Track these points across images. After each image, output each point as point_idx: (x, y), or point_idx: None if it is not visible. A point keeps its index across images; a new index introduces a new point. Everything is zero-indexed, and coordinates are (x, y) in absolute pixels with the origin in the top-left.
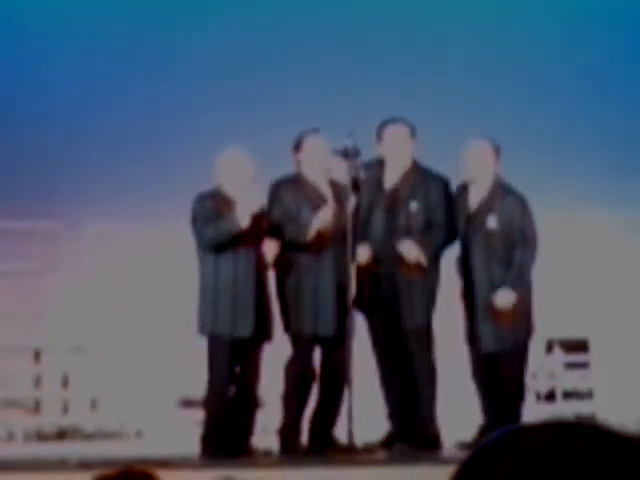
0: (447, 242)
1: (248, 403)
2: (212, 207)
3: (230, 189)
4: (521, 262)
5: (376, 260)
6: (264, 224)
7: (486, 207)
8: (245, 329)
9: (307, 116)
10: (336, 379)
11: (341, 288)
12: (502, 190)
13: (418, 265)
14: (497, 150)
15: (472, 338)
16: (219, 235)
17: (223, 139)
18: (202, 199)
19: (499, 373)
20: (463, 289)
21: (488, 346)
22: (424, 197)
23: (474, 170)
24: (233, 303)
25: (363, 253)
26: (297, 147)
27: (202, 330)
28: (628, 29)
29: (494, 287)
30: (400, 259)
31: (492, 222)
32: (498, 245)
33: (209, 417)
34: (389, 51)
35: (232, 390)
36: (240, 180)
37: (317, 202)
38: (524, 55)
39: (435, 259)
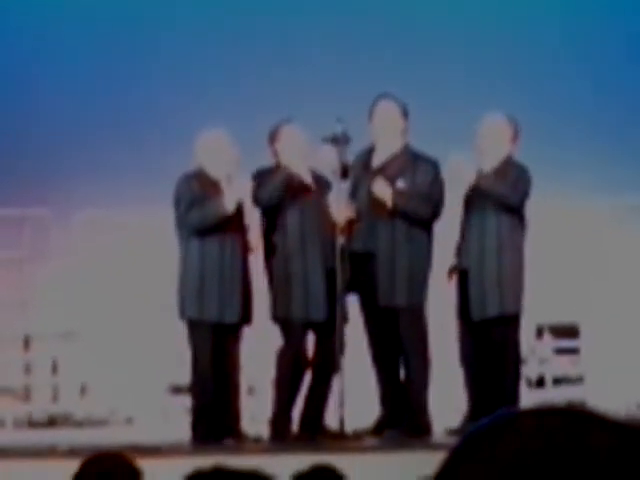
0: (429, 215)
1: (233, 387)
2: (198, 188)
3: (214, 170)
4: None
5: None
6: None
7: (489, 175)
8: (232, 315)
9: (296, 102)
10: (328, 365)
11: (330, 273)
12: (509, 164)
13: (387, 208)
14: (515, 129)
15: (462, 307)
16: (205, 219)
17: (212, 125)
18: (188, 180)
19: (486, 344)
20: (457, 256)
21: (478, 313)
22: (412, 178)
23: (487, 148)
24: (220, 289)
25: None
26: (273, 138)
27: (183, 315)
28: (627, 18)
29: (483, 253)
30: (374, 200)
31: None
32: (492, 210)
33: (197, 403)
34: (382, 36)
35: (217, 375)
36: (224, 161)
37: (299, 190)
38: (524, 43)
39: (419, 235)
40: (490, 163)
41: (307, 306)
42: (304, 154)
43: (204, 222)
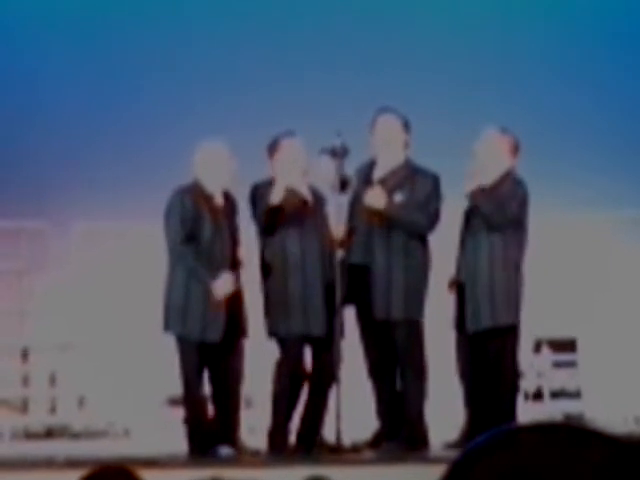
0: (423, 226)
1: (231, 401)
2: (191, 204)
3: (210, 184)
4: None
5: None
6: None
7: (487, 192)
8: (215, 333)
9: (296, 114)
10: (325, 378)
11: (329, 286)
12: (508, 178)
13: (383, 216)
14: (514, 143)
15: (459, 320)
16: (189, 273)
17: (209, 137)
18: (181, 194)
19: (483, 359)
20: (456, 272)
21: (472, 325)
22: (411, 191)
23: (485, 163)
24: (204, 307)
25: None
26: (272, 150)
27: (167, 329)
28: (624, 30)
29: (480, 267)
30: (368, 210)
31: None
32: (486, 226)
33: (187, 416)
34: (382, 49)
35: (211, 389)
36: (221, 175)
37: (295, 205)
38: (521, 56)
39: (416, 248)
40: (490, 178)
41: (307, 322)
42: (302, 168)
43: (187, 271)
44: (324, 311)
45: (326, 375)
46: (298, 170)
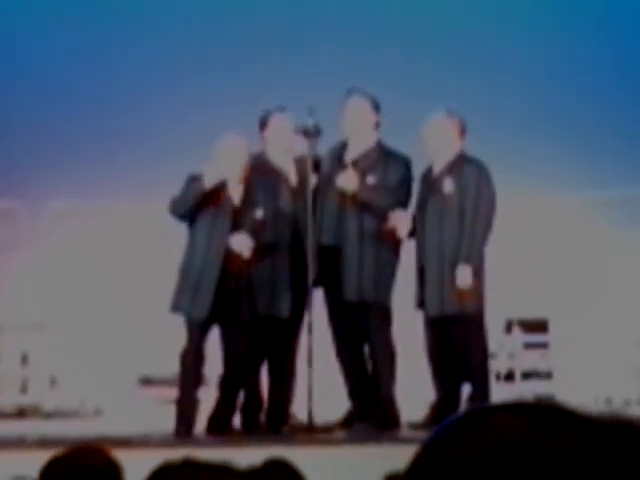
0: (393, 209)
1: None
2: (193, 187)
3: (226, 176)
4: (473, 235)
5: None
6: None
7: (445, 172)
8: (201, 311)
9: (269, 94)
10: (289, 359)
11: (299, 267)
12: (462, 159)
13: (355, 199)
14: (462, 126)
15: (421, 301)
16: (184, 197)
17: (186, 115)
18: (189, 181)
19: (450, 340)
20: (416, 254)
21: (434, 309)
22: (383, 174)
23: (436, 147)
24: (195, 286)
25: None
26: (262, 125)
27: (176, 309)
28: (599, 13)
29: (444, 251)
30: (340, 192)
31: (448, 186)
32: (452, 209)
33: (182, 397)
34: (354, 27)
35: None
36: (236, 168)
37: (278, 182)
38: (496, 36)
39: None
40: (443, 162)
41: (273, 303)
42: (289, 144)
43: (183, 200)
44: (290, 293)
45: (287, 355)
46: (284, 146)
